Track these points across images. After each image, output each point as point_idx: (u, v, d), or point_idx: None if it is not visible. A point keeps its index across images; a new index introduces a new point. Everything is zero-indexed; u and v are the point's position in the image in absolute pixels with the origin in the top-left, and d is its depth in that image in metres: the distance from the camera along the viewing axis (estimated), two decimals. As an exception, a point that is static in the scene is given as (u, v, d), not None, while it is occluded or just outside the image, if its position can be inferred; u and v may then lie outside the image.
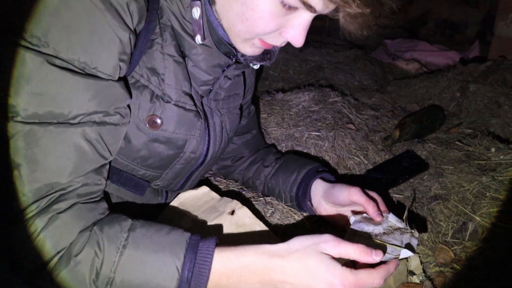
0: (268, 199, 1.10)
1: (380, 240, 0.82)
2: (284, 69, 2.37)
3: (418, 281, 0.97)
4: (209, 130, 0.91)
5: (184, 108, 0.84)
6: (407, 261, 0.99)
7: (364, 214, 0.93)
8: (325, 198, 0.99)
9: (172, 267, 0.65)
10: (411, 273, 0.98)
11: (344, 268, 0.68)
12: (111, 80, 0.68)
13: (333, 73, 2.26)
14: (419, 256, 1.01)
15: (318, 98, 1.61)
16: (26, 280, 0.63)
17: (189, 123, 0.85)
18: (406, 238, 0.86)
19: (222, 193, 0.98)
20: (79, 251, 0.63)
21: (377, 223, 0.90)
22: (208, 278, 0.66)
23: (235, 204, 0.92)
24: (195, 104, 0.86)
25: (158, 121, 0.81)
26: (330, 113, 1.51)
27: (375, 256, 0.70)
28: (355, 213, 0.97)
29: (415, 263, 1.00)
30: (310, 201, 1.03)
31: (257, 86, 2.09)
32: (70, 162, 0.64)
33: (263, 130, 1.45)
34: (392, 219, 0.91)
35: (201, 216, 0.89)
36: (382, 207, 0.94)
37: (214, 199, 0.92)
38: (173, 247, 0.66)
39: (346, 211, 0.99)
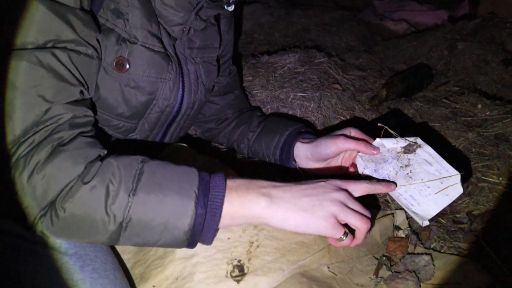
0: (254, 159, 1.09)
1: (416, 183, 0.83)
2: (270, 32, 2.32)
3: (403, 235, 0.98)
4: (183, 77, 0.90)
5: (153, 50, 0.82)
6: (393, 216, 1.00)
7: (360, 154, 0.93)
8: (314, 159, 0.98)
9: (190, 191, 0.65)
10: (397, 228, 0.99)
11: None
12: (76, 8, 0.66)
13: (320, 35, 2.21)
14: (405, 212, 1.02)
15: (303, 59, 1.58)
16: (31, 228, 0.62)
17: (159, 66, 0.83)
18: (422, 153, 0.86)
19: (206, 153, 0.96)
20: (91, 178, 0.61)
21: (380, 157, 0.90)
22: (222, 202, 0.66)
23: (218, 163, 0.90)
24: (163, 47, 0.84)
25: (126, 63, 0.79)
26: (316, 74, 1.49)
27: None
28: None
29: (401, 218, 1.01)
30: (294, 161, 1.02)
31: (237, 45, 2.05)
32: (49, 84, 0.63)
33: (247, 92, 1.42)
34: (387, 143, 0.90)
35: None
36: (370, 140, 0.93)
37: (194, 158, 0.91)
38: (188, 173, 0.67)
39: (336, 158, 0.98)
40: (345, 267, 0.84)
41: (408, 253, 0.91)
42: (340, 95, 1.40)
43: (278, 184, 0.72)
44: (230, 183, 0.69)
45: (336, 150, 0.92)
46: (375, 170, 0.89)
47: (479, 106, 1.35)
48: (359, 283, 0.81)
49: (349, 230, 0.74)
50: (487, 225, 0.98)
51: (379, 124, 0.92)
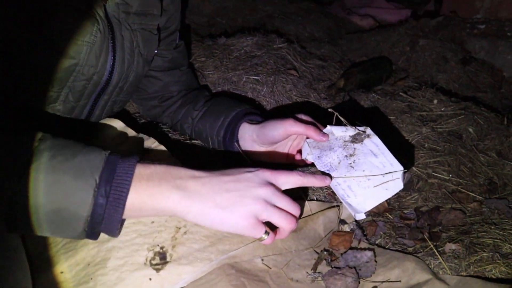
0: (196, 142, 1.01)
1: (357, 174, 0.79)
2: (233, 17, 2.23)
3: (348, 230, 0.93)
4: (114, 44, 0.80)
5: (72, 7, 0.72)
6: (338, 209, 0.95)
7: (308, 140, 0.87)
8: (259, 142, 0.91)
9: (90, 177, 0.55)
10: (342, 221, 0.94)
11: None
12: None
13: (284, 23, 2.15)
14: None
15: (262, 43, 1.51)
16: None
17: (80, 26, 0.73)
18: (369, 143, 0.81)
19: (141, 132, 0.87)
20: None
21: (327, 145, 0.85)
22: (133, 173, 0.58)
23: (152, 142, 0.82)
24: (89, 5, 0.74)
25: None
26: (272, 58, 1.41)
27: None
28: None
29: (347, 212, 0.96)
30: (237, 143, 0.94)
31: (183, 22, 1.95)
32: None
33: (199, 73, 1.34)
34: (337, 131, 0.85)
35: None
36: (320, 126, 0.87)
37: (125, 136, 0.82)
38: (93, 156, 0.57)
39: (283, 145, 0.92)
40: (282, 260, 0.77)
41: (351, 248, 0.86)
42: (295, 82, 1.34)
43: (198, 174, 0.64)
44: (142, 170, 0.60)
45: (284, 132, 0.85)
46: (318, 157, 0.84)
47: (435, 101, 1.32)
48: (294, 278, 0.75)
49: (273, 227, 0.68)
50: (434, 222, 0.95)
51: (329, 110, 0.86)
